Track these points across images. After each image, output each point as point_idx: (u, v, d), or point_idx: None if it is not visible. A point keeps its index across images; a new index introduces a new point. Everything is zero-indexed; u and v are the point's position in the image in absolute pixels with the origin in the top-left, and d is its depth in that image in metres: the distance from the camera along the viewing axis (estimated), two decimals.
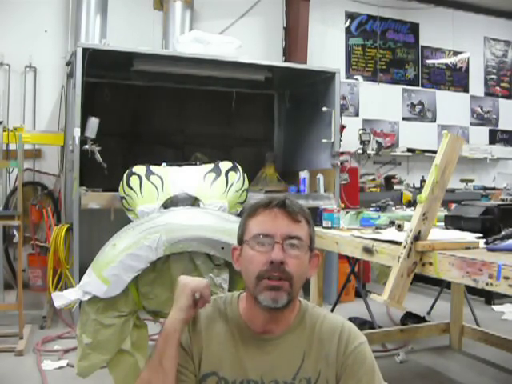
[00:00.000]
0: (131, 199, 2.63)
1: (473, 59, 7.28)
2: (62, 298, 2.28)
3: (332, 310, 3.62)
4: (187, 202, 2.61)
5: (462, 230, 2.30)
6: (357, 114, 6.50)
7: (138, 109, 5.09)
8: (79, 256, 3.76)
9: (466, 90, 7.25)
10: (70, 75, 4.40)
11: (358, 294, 4.54)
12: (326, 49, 6.26)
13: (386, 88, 6.69)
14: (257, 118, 5.65)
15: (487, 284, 1.63)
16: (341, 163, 4.78)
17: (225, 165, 2.80)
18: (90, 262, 2.41)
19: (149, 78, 4.76)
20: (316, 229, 2.61)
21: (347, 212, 3.09)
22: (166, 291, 2.29)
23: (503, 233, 1.98)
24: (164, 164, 2.90)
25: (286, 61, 5.80)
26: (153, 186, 2.63)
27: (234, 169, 2.78)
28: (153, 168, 2.75)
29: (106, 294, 2.24)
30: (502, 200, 3.57)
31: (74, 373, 2.31)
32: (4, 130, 4.23)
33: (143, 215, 2.54)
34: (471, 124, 7.25)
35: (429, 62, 7.02)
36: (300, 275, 1.21)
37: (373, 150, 5.90)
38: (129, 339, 2.30)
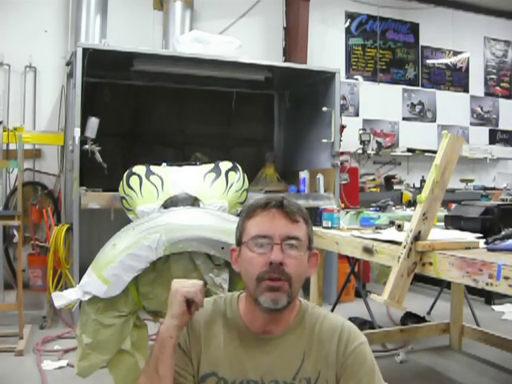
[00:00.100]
0: (131, 199, 2.63)
1: (473, 59, 7.28)
2: (61, 298, 2.28)
3: (332, 310, 3.62)
4: (187, 202, 2.60)
5: (462, 230, 2.30)
6: (357, 114, 6.50)
7: (138, 109, 5.09)
8: (79, 256, 3.76)
9: (466, 90, 7.25)
10: (70, 75, 4.40)
11: (358, 294, 4.54)
12: (326, 49, 6.26)
13: (385, 88, 6.69)
14: (257, 118, 5.65)
15: (487, 284, 1.63)
16: (341, 163, 4.78)
17: (225, 165, 2.79)
18: (89, 261, 2.41)
19: (149, 77, 4.76)
20: (316, 229, 2.62)
21: (347, 212, 3.09)
22: (166, 291, 2.27)
23: (503, 233, 1.98)
24: (164, 164, 2.90)
25: (285, 61, 5.80)
26: (153, 186, 2.63)
27: (234, 169, 2.78)
28: (153, 168, 2.75)
29: (106, 294, 2.24)
30: (502, 200, 3.56)
31: (74, 373, 2.31)
32: (4, 130, 4.23)
33: (143, 215, 2.54)
34: (471, 124, 7.25)
35: (429, 61, 7.02)
36: (299, 275, 1.21)
37: (373, 149, 5.90)
38: (129, 339, 2.30)
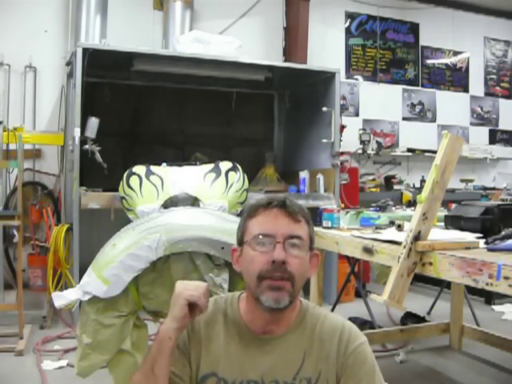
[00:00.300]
0: (131, 199, 2.63)
1: (473, 59, 7.28)
2: (61, 298, 2.28)
3: (332, 310, 3.62)
4: (187, 202, 2.60)
5: (462, 230, 2.30)
6: (357, 114, 6.50)
7: (138, 109, 5.09)
8: (79, 256, 3.76)
9: (466, 90, 7.25)
10: (70, 75, 4.40)
11: (358, 294, 4.54)
12: (326, 49, 6.26)
13: (386, 88, 6.69)
14: (257, 118, 5.65)
15: (487, 284, 1.63)
16: (341, 163, 4.78)
17: (225, 165, 2.79)
18: (89, 262, 2.41)
19: (149, 77, 4.76)
20: (316, 229, 2.61)
21: (347, 212, 3.09)
22: (165, 291, 2.29)
23: (503, 233, 1.98)
24: (164, 164, 2.90)
25: (286, 61, 5.80)
26: (153, 186, 2.63)
27: (234, 169, 2.78)
28: (153, 168, 2.75)
29: (105, 294, 2.24)
30: (502, 200, 3.56)
31: (74, 373, 2.31)
32: (4, 130, 4.23)
33: (143, 215, 2.54)
34: (471, 124, 7.25)
35: (429, 61, 7.02)
36: (301, 275, 1.21)
37: (373, 149, 5.90)
38: (129, 339, 2.30)
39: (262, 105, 5.70)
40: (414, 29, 6.89)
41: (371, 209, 3.39)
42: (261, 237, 1.20)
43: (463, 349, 3.45)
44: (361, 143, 5.65)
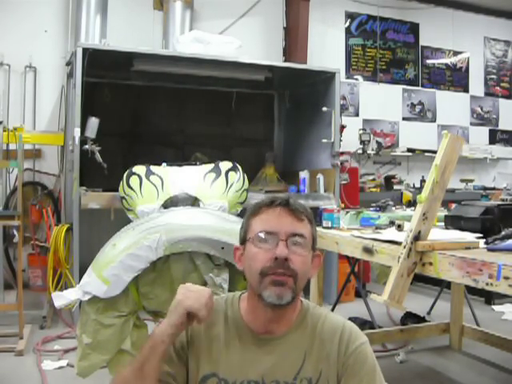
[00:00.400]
0: (131, 199, 2.63)
1: (473, 59, 7.28)
2: (61, 298, 2.28)
3: (332, 310, 3.62)
4: (187, 202, 2.61)
5: (462, 230, 2.30)
6: (357, 114, 6.50)
7: (138, 109, 5.09)
8: (79, 256, 3.76)
9: (466, 90, 7.25)
10: (70, 75, 4.40)
11: (358, 294, 4.54)
12: (326, 49, 6.26)
13: (386, 88, 6.69)
14: (257, 118, 5.65)
15: (487, 284, 1.63)
16: (341, 163, 4.78)
17: (225, 165, 2.80)
18: (89, 262, 2.41)
19: (149, 77, 4.76)
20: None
21: (347, 212, 3.08)
22: (165, 291, 2.29)
23: (503, 233, 1.98)
24: (164, 164, 2.90)
25: (285, 61, 5.80)
26: (153, 186, 2.63)
27: (234, 169, 2.78)
28: (153, 168, 2.75)
29: (105, 294, 2.24)
30: (502, 200, 3.56)
31: (74, 373, 2.31)
32: (4, 130, 4.23)
33: (143, 215, 2.54)
34: (471, 124, 7.25)
35: (429, 61, 7.02)
36: (304, 273, 1.21)
37: (373, 149, 5.90)
38: (129, 339, 2.30)
39: (262, 105, 5.70)
40: (414, 29, 6.89)
41: (371, 209, 3.39)
42: (264, 234, 1.21)
43: (463, 349, 3.45)
44: (361, 143, 5.65)
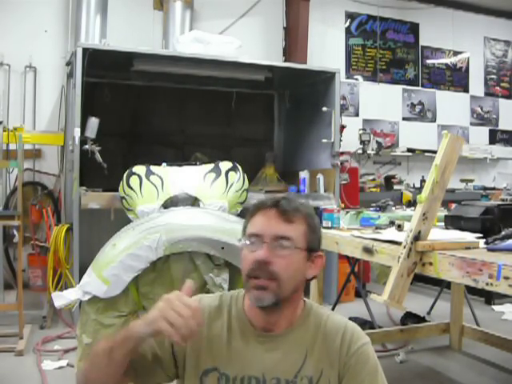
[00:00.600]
0: (131, 199, 2.64)
1: (473, 59, 7.28)
2: (62, 298, 2.28)
3: (332, 310, 3.62)
4: (187, 202, 2.61)
5: (462, 230, 2.30)
6: (357, 114, 6.50)
7: (138, 109, 5.09)
8: (79, 256, 3.76)
9: (466, 90, 7.25)
10: (70, 75, 4.40)
11: (358, 294, 4.54)
12: (326, 49, 6.26)
13: (386, 88, 6.69)
14: (257, 118, 5.65)
15: (487, 284, 1.63)
16: (341, 163, 4.78)
17: (225, 165, 2.80)
18: (89, 262, 2.41)
19: (149, 77, 4.76)
20: None
21: (347, 212, 3.09)
22: (166, 291, 2.28)
23: (503, 233, 1.98)
24: (164, 164, 2.91)
25: (286, 61, 5.80)
26: (153, 186, 2.63)
27: (234, 169, 2.79)
28: (153, 168, 2.75)
29: (106, 294, 2.24)
30: (502, 200, 3.56)
31: (74, 373, 2.31)
32: (4, 130, 4.23)
33: (143, 215, 2.54)
34: (471, 124, 7.25)
35: (429, 61, 7.02)
36: (289, 275, 1.20)
37: (373, 149, 5.90)
38: None
39: (262, 105, 5.70)
40: (414, 29, 6.89)
41: (371, 209, 3.39)
42: (251, 236, 1.22)
43: (463, 349, 3.45)
44: (361, 143, 5.65)
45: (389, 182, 5.91)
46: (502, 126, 7.47)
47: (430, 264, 1.88)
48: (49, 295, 3.70)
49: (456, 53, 7.17)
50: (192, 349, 1.24)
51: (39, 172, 4.95)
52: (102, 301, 2.26)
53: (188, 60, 4.42)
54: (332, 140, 4.65)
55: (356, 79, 6.54)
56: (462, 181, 6.36)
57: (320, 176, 4.63)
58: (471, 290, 3.96)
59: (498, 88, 7.50)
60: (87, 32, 4.80)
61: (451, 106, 7.07)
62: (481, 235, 2.15)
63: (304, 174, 4.71)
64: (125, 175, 2.72)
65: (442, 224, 2.49)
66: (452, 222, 2.44)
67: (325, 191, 4.62)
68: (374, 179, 5.99)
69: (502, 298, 4.45)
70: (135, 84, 4.92)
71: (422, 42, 6.95)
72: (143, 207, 2.56)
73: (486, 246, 1.93)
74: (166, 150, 5.08)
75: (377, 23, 6.63)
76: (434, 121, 6.98)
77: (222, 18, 5.66)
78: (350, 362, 1.21)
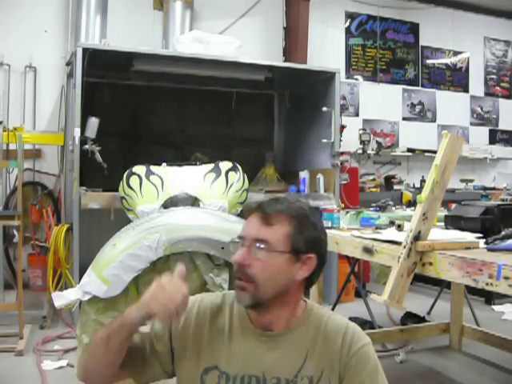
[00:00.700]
0: (131, 199, 2.64)
1: (473, 59, 7.28)
2: (62, 298, 2.28)
3: (332, 310, 3.62)
4: (187, 202, 2.61)
5: (462, 230, 2.30)
6: (357, 114, 6.50)
7: (138, 109, 5.09)
8: (79, 256, 3.76)
9: (466, 90, 7.25)
10: (70, 75, 4.40)
11: (358, 294, 4.54)
12: (326, 49, 6.26)
13: (386, 88, 6.69)
14: (257, 117, 5.65)
15: (487, 284, 1.63)
16: (341, 163, 4.78)
17: (225, 165, 2.80)
18: (89, 262, 2.41)
19: (149, 77, 4.76)
20: None
21: (347, 212, 3.09)
22: None
23: (503, 233, 1.98)
24: (164, 164, 2.91)
25: (286, 61, 5.80)
26: (153, 186, 2.63)
27: (234, 169, 2.79)
28: (153, 168, 2.75)
29: (106, 294, 2.24)
30: (502, 200, 3.57)
31: (74, 373, 2.31)
32: (4, 130, 4.23)
33: (143, 215, 2.54)
34: (471, 124, 7.25)
35: (429, 61, 7.02)
36: (267, 278, 1.20)
37: (373, 149, 5.90)
38: None
39: (262, 105, 5.70)
40: (414, 29, 6.89)
41: (371, 209, 3.39)
42: (238, 238, 1.25)
43: (463, 349, 3.45)
44: (361, 143, 5.65)
45: (389, 181, 5.91)
46: (501, 126, 7.47)
47: (430, 264, 1.88)
48: (49, 295, 3.70)
49: (456, 53, 7.17)
50: (193, 347, 1.25)
51: (39, 172, 4.95)
52: (102, 301, 2.26)
53: (188, 60, 4.42)
54: (332, 140, 4.65)
55: (356, 79, 6.54)
56: (462, 181, 6.36)
57: (320, 176, 4.63)
58: (471, 290, 3.96)
59: (498, 88, 7.50)
60: (87, 32, 4.80)
61: (451, 105, 7.07)
62: (481, 235, 2.15)
63: (304, 174, 4.71)
64: (125, 175, 2.72)
65: (442, 224, 2.49)
66: (452, 222, 2.44)
67: (325, 191, 4.62)
68: (374, 179, 5.99)
69: (502, 297, 4.44)
70: (135, 84, 4.92)
71: (422, 42, 6.95)
72: (143, 207, 2.57)
73: (485, 245, 1.93)
74: (165, 149, 5.08)
75: (377, 23, 6.63)
76: (434, 121, 6.98)
77: (222, 18, 5.66)
78: (350, 363, 1.21)
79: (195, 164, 3.06)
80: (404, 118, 6.80)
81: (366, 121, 6.49)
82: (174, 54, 4.48)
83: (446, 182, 1.97)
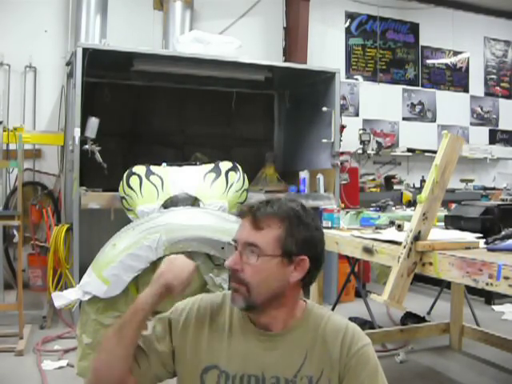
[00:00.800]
0: (131, 199, 2.63)
1: (473, 59, 7.29)
2: (61, 298, 2.28)
3: (332, 310, 3.62)
4: (187, 202, 2.61)
5: (462, 230, 2.30)
6: (357, 114, 6.50)
7: (138, 109, 5.09)
8: (79, 256, 3.76)
9: (466, 90, 7.25)
10: (70, 75, 4.40)
11: (358, 294, 4.54)
12: (326, 49, 6.26)
13: (386, 88, 6.69)
14: (257, 117, 5.65)
15: (487, 284, 1.63)
16: (341, 163, 4.78)
17: (225, 165, 2.80)
18: (89, 262, 2.41)
19: (149, 77, 4.76)
20: None
21: (347, 212, 3.09)
22: None
23: (503, 233, 1.98)
24: (164, 164, 2.90)
25: (286, 61, 5.80)
26: (153, 186, 2.63)
27: (234, 169, 2.78)
28: (153, 168, 2.75)
29: (105, 294, 2.24)
30: (502, 200, 3.57)
31: (74, 373, 2.31)
32: (4, 130, 4.23)
33: (143, 215, 2.54)
34: (471, 124, 7.25)
35: (429, 61, 7.02)
36: (259, 282, 1.20)
37: (373, 149, 5.90)
38: None
39: (262, 105, 5.70)
40: (414, 29, 6.89)
41: (371, 209, 3.39)
42: (232, 242, 1.27)
43: (463, 349, 3.45)
44: (361, 143, 5.65)
45: (389, 181, 5.91)
46: (501, 126, 7.47)
47: (430, 264, 1.88)
48: (49, 295, 3.70)
49: (456, 53, 7.17)
50: (193, 346, 1.25)
51: (39, 172, 4.95)
52: (102, 301, 2.26)
53: (188, 60, 4.42)
54: (332, 140, 4.65)
55: (356, 79, 6.54)
56: (462, 181, 6.36)
57: (320, 176, 4.63)
58: (471, 290, 3.96)
59: (498, 88, 7.50)
60: (87, 32, 4.80)
61: (451, 105, 7.07)
62: (481, 235, 2.15)
63: (304, 174, 4.71)
64: (125, 175, 2.72)
65: (442, 224, 2.49)
66: (452, 222, 2.44)
67: (325, 191, 4.62)
68: (374, 179, 5.99)
69: (502, 297, 4.44)
70: (135, 84, 4.92)
71: (422, 42, 6.95)
72: (143, 207, 2.56)
73: (485, 245, 1.94)
74: (165, 149, 5.08)
75: (377, 23, 6.63)
76: (434, 121, 6.98)
77: (222, 18, 5.66)
78: (350, 364, 1.21)
79: (195, 164, 3.06)
80: (404, 118, 6.80)
81: (365, 121, 6.49)
82: (174, 53, 4.48)
83: (446, 182, 1.97)
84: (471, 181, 6.41)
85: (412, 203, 4.06)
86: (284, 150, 5.69)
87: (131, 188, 2.64)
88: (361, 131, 5.79)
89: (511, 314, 4.28)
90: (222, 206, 2.60)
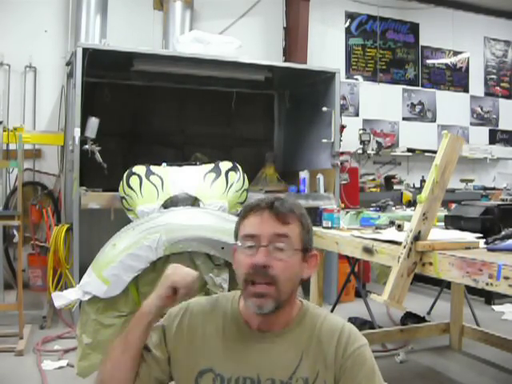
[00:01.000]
0: (131, 199, 2.64)
1: (473, 59, 7.29)
2: (61, 298, 2.28)
3: (332, 310, 3.62)
4: (187, 202, 2.61)
5: (462, 230, 2.30)
6: (357, 114, 6.50)
7: (138, 109, 5.09)
8: (79, 256, 3.76)
9: (466, 90, 7.25)
10: (70, 75, 4.40)
11: (358, 294, 4.54)
12: (326, 49, 6.26)
13: (386, 88, 6.69)
14: (257, 117, 5.65)
15: (487, 284, 1.63)
16: (341, 163, 4.78)
17: (225, 165, 2.80)
18: (89, 262, 2.41)
19: (149, 77, 4.76)
20: (316, 229, 2.61)
21: (347, 212, 3.09)
22: None
23: (503, 233, 1.99)
24: (164, 164, 2.91)
25: (286, 61, 5.80)
26: (153, 186, 2.63)
27: (234, 169, 2.79)
28: (153, 168, 2.75)
29: (105, 294, 2.24)
30: (502, 200, 3.56)
31: (74, 373, 2.32)
32: (4, 130, 4.23)
33: (143, 215, 2.54)
34: (471, 124, 7.25)
35: (429, 61, 7.02)
36: (288, 278, 1.19)
37: (373, 149, 5.90)
38: None
39: (262, 105, 5.70)
40: (414, 29, 6.89)
41: (371, 209, 3.39)
42: (246, 239, 1.21)
43: (463, 349, 3.45)
44: (361, 143, 5.65)
45: (389, 181, 5.91)
46: (501, 126, 7.47)
47: (430, 264, 1.88)
48: (49, 295, 3.70)
49: (456, 53, 7.17)
50: (187, 350, 1.24)
51: (39, 172, 4.95)
52: (102, 301, 2.26)
53: (188, 60, 4.42)
54: (332, 140, 4.65)
55: (356, 79, 6.54)
56: (462, 181, 6.36)
57: (320, 176, 4.63)
58: (471, 290, 3.96)
59: (498, 88, 7.50)
60: (87, 32, 4.80)
61: (451, 105, 7.07)
62: (481, 235, 2.15)
63: (304, 174, 4.71)
64: (125, 175, 2.72)
65: (442, 224, 2.49)
66: (452, 222, 2.44)
67: (325, 191, 4.62)
68: (374, 179, 5.99)
69: (502, 297, 4.44)
70: (135, 84, 4.92)
71: (422, 42, 6.95)
72: (143, 207, 2.57)
73: (485, 245, 1.94)
74: (165, 149, 5.07)
75: (377, 23, 6.63)
76: (434, 121, 6.98)
77: (222, 18, 5.66)
78: (346, 365, 1.19)
79: (195, 164, 3.06)
80: (404, 118, 6.80)
81: (365, 121, 6.49)
82: (174, 53, 4.48)
83: (446, 182, 1.97)
84: (471, 181, 6.41)
85: (412, 203, 4.05)
86: (284, 150, 5.69)
87: (131, 188, 2.64)
88: (361, 131, 5.79)
89: (511, 314, 4.28)
90: (222, 206, 2.61)
